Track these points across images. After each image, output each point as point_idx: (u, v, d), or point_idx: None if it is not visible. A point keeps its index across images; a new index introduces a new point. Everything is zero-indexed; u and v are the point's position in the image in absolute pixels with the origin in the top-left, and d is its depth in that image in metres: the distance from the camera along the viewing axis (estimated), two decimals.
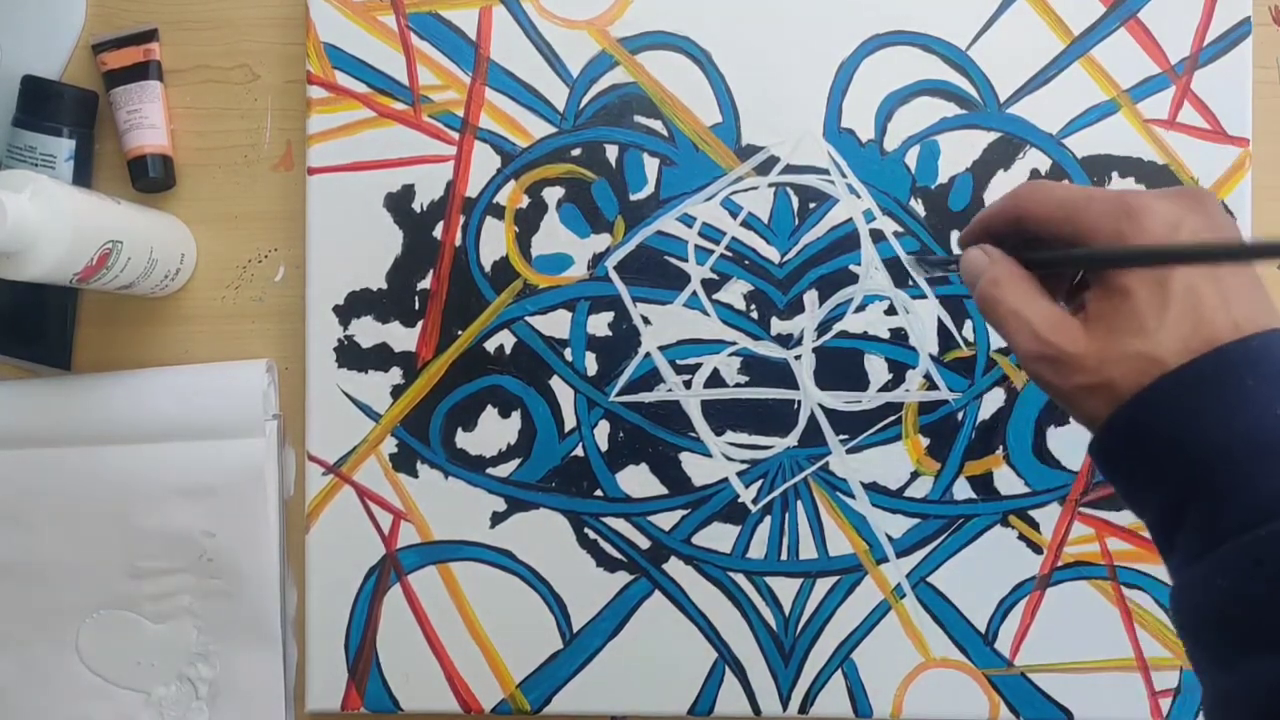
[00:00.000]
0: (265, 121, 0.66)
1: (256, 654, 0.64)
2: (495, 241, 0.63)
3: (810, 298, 0.63)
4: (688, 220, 0.63)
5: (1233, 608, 0.35)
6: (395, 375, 0.63)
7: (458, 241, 0.63)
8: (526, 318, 0.63)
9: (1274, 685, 0.33)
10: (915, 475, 0.62)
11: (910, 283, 0.62)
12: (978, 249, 0.43)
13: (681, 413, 0.63)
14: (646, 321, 0.63)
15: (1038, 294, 0.41)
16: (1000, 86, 0.62)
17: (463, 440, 0.63)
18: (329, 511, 0.63)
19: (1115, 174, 0.62)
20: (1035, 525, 0.62)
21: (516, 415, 0.63)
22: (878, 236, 0.62)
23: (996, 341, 0.62)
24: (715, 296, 0.63)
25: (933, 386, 0.62)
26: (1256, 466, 0.35)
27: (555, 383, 0.63)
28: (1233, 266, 0.38)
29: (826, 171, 0.62)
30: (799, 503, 0.62)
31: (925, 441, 0.62)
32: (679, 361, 0.63)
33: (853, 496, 0.62)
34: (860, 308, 0.62)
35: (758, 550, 0.62)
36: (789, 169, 0.63)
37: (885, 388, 0.62)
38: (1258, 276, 0.39)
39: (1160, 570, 0.62)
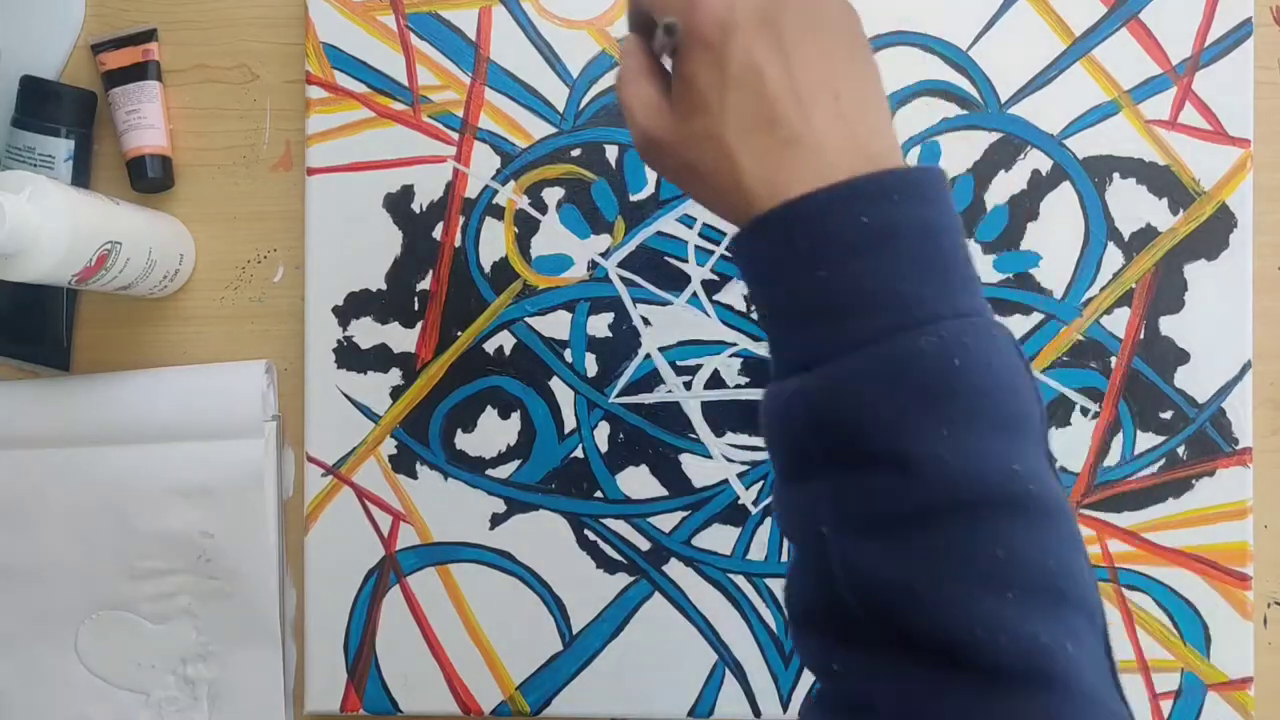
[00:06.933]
0: (264, 122, 0.65)
1: (256, 655, 0.64)
2: (495, 242, 0.63)
3: None
4: (688, 221, 0.63)
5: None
6: (395, 376, 0.63)
7: (457, 242, 0.63)
8: (526, 319, 0.63)
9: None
10: None
11: None
12: (627, 37, 0.42)
13: (682, 414, 0.63)
14: (647, 322, 0.63)
15: (647, 81, 0.41)
16: (1001, 87, 0.62)
17: (462, 441, 0.63)
18: (328, 513, 0.63)
19: (1116, 175, 0.62)
20: None
21: (516, 416, 0.63)
22: None
23: None
24: (716, 297, 0.63)
25: None
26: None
27: (555, 384, 0.63)
28: (794, 28, 0.37)
29: None
30: None
31: None
32: (679, 363, 0.63)
33: None
34: None
35: (758, 552, 0.62)
36: None
37: None
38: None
39: (1162, 572, 0.61)
